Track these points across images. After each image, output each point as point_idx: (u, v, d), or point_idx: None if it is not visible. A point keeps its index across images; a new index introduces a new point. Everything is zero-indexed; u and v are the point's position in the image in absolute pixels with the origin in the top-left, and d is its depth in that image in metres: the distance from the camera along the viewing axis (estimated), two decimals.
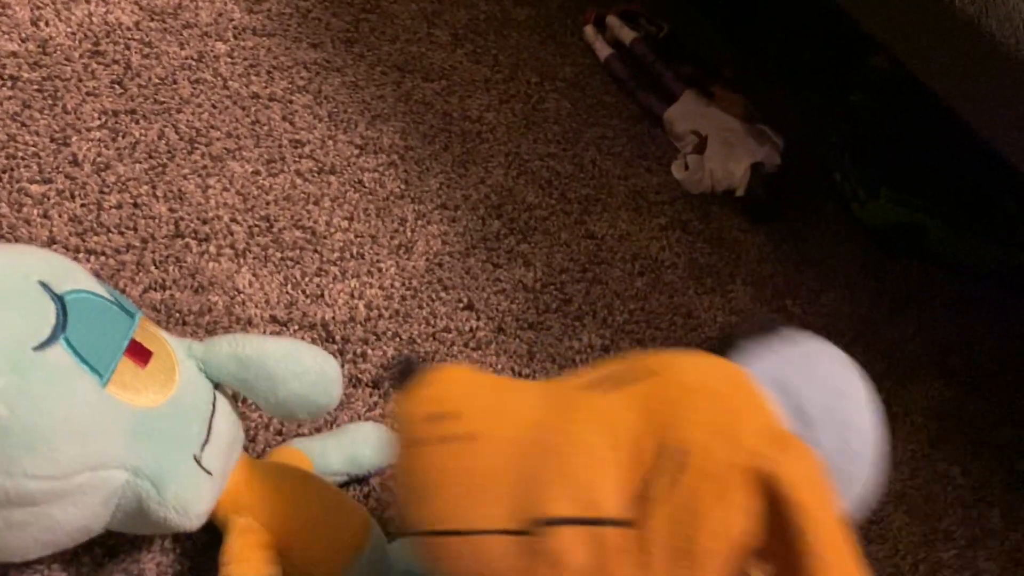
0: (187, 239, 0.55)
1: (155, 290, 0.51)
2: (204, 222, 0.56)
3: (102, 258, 0.51)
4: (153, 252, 0.53)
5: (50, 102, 0.57)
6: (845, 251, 0.88)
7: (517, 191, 0.72)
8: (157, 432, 0.37)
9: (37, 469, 0.33)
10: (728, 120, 0.84)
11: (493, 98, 0.79)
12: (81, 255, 0.51)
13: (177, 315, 0.51)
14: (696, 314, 0.71)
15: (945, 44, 0.62)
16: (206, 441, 0.38)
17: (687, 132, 0.83)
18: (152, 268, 0.52)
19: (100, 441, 0.35)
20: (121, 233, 0.53)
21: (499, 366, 0.59)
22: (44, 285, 0.35)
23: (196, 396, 0.38)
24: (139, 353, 0.37)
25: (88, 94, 0.59)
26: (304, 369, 0.40)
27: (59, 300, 0.35)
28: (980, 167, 0.87)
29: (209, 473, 0.37)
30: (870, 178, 0.92)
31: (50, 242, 0.51)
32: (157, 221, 0.55)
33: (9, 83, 0.57)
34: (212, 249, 0.55)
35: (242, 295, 0.54)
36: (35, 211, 0.52)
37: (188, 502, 0.37)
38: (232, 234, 0.56)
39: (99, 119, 0.58)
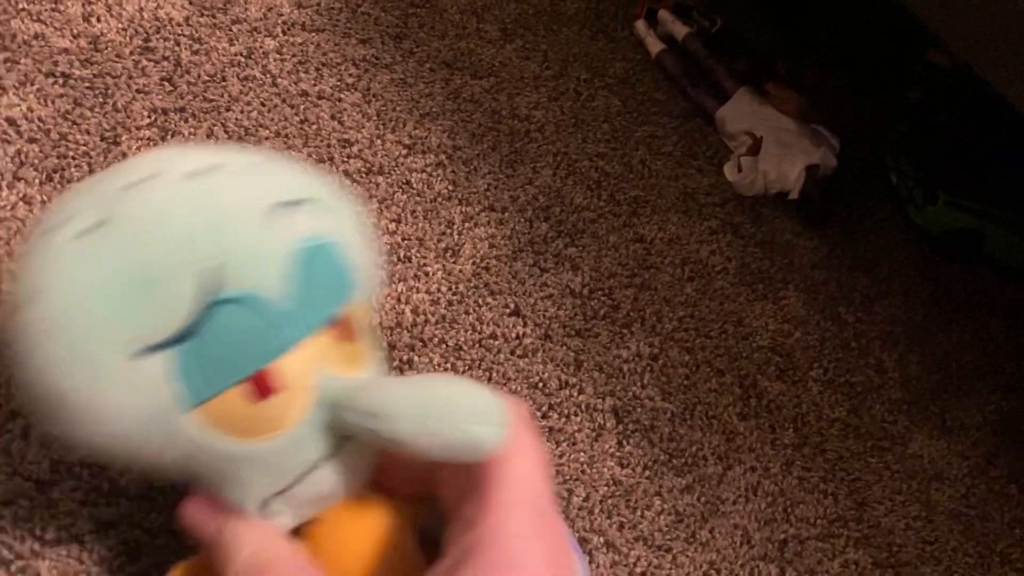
0: None
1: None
2: None
3: None
4: None
5: (101, 100, 0.57)
6: (901, 256, 0.86)
7: (565, 192, 0.71)
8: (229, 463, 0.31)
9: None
10: (783, 120, 0.82)
11: (542, 96, 0.77)
12: None
13: None
14: (747, 321, 0.70)
15: (1006, 38, 0.60)
16: (282, 492, 0.31)
17: (740, 132, 0.81)
18: None
19: (155, 455, 0.30)
20: None
21: (546, 375, 0.58)
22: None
23: (297, 451, 0.31)
24: (263, 386, 0.29)
25: (138, 91, 0.59)
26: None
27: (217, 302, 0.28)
28: None
29: (269, 515, 0.32)
30: (928, 180, 0.89)
31: None
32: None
33: (61, 80, 0.56)
34: None
35: None
36: None
37: None
38: None
39: (149, 117, 0.58)
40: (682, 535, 0.54)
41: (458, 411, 0.29)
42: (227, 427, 0.29)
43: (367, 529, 0.34)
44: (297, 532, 0.33)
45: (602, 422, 0.58)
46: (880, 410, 0.70)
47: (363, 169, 0.62)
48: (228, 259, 0.28)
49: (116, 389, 0.28)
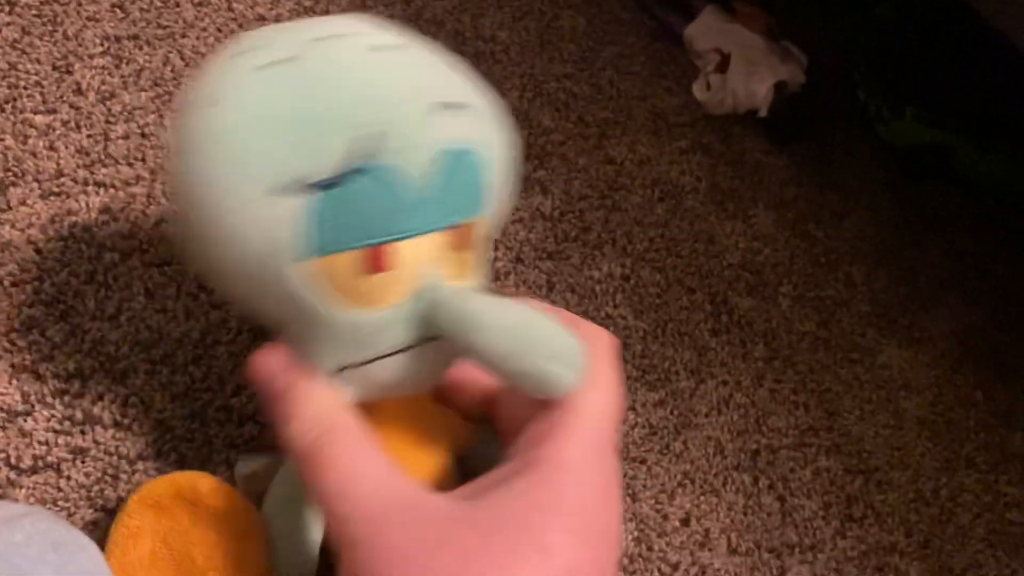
0: None
1: (168, 222, 0.50)
2: None
3: (111, 191, 0.50)
4: (163, 183, 0.52)
5: (50, 28, 0.55)
6: (869, 172, 0.86)
7: (533, 114, 0.70)
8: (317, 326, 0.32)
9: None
10: (751, 37, 0.81)
11: (506, 15, 0.76)
12: (90, 188, 0.50)
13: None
14: (718, 240, 0.70)
15: None
16: (354, 366, 0.31)
17: (708, 50, 0.80)
18: (163, 199, 0.51)
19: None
20: (130, 164, 0.52)
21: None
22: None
23: (382, 332, 0.31)
24: (377, 260, 0.30)
25: (89, 19, 0.57)
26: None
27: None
28: (1011, 82, 0.84)
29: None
30: (895, 96, 0.89)
31: (58, 175, 0.49)
32: (166, 151, 0.53)
33: (7, 8, 0.54)
34: None
35: None
36: (40, 143, 0.50)
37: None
38: None
39: (101, 45, 0.56)
40: (656, 447, 0.55)
41: (539, 346, 0.30)
42: (328, 288, 0.30)
43: (412, 431, 0.35)
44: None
45: None
46: (849, 323, 0.71)
47: None
48: (386, 133, 0.29)
49: (244, 216, 0.29)
